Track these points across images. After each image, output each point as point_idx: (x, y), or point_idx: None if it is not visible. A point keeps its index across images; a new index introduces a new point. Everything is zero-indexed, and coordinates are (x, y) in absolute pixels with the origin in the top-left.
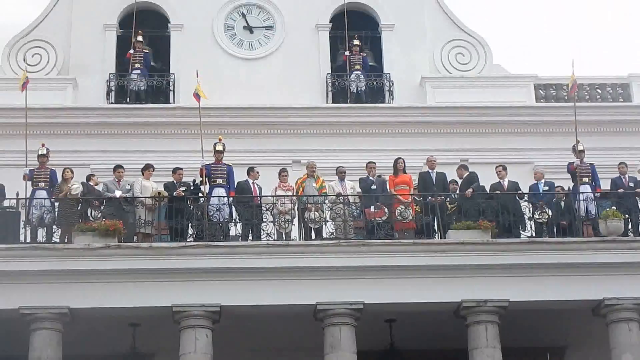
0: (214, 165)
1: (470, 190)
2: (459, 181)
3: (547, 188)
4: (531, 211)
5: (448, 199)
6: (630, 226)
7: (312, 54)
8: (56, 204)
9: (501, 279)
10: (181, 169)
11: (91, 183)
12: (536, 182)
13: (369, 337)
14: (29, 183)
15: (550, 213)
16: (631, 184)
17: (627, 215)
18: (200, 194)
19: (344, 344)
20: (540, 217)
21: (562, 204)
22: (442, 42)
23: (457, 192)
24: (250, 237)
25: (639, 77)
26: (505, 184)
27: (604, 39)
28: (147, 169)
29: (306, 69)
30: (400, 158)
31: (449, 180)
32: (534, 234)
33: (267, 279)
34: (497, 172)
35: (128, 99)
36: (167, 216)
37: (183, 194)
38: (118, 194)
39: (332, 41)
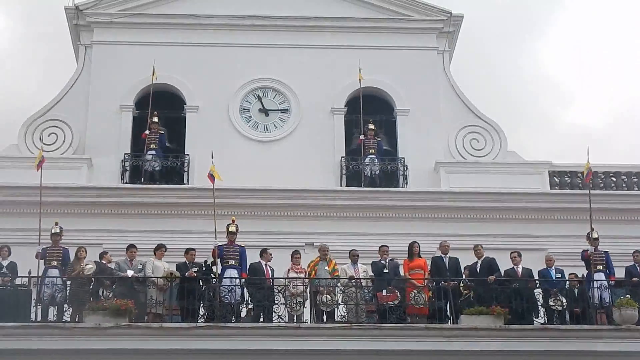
0: (226, 246)
1: (493, 277)
2: (477, 260)
3: (559, 275)
4: (543, 298)
5: (462, 284)
6: None
7: (327, 137)
8: (68, 282)
9: None
10: (194, 249)
11: (104, 261)
12: (547, 268)
13: None
14: (42, 261)
15: (564, 300)
16: None
17: None
18: (212, 275)
19: None
20: (555, 304)
21: (576, 291)
22: (457, 128)
23: (474, 275)
24: (261, 319)
25: None
26: (520, 270)
27: (619, 126)
28: (159, 249)
29: (321, 152)
30: (415, 242)
31: (462, 265)
32: (546, 321)
33: None
34: (512, 258)
35: (142, 179)
36: (178, 296)
37: (195, 274)
38: (130, 273)
39: (347, 125)
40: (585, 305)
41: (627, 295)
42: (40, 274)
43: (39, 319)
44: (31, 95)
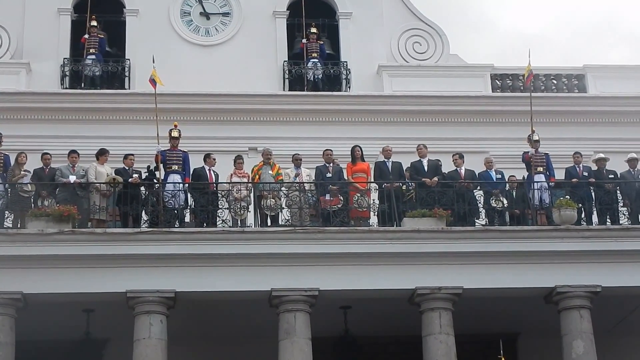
0: (169, 151)
1: (436, 179)
2: (424, 162)
3: (500, 176)
4: (484, 200)
5: (405, 187)
6: (583, 215)
7: (269, 42)
8: (9, 189)
9: (455, 266)
10: (132, 154)
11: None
12: (487, 170)
13: (324, 323)
14: None
15: (505, 201)
16: (585, 174)
17: (580, 205)
18: (155, 180)
19: (299, 330)
20: (496, 204)
21: (515, 193)
22: (400, 31)
23: (422, 178)
24: (205, 224)
25: (594, 68)
26: (462, 172)
27: (560, 29)
28: (102, 155)
29: (263, 57)
30: (357, 146)
31: (405, 168)
32: (487, 222)
33: (222, 266)
34: (454, 160)
35: (83, 84)
36: (121, 202)
37: (139, 180)
38: (72, 179)
39: (290, 29)
40: (526, 207)
41: (567, 197)
42: None
43: None
44: None
